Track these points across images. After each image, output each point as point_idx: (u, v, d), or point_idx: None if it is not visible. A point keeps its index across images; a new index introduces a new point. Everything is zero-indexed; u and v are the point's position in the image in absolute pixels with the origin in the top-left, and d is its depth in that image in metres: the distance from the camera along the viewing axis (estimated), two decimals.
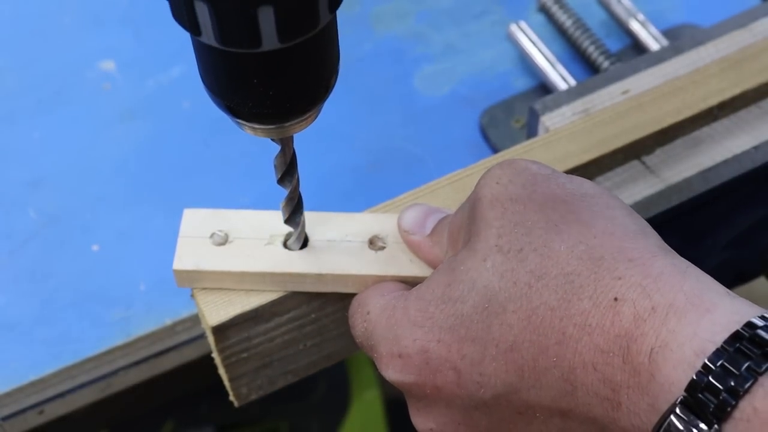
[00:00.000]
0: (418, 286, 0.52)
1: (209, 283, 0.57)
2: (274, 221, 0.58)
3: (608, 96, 0.68)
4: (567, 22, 0.85)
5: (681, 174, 0.65)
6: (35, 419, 0.72)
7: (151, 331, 0.72)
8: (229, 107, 0.47)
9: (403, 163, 0.80)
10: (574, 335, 0.45)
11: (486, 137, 0.81)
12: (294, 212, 0.56)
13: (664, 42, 0.82)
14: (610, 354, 0.44)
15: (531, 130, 0.70)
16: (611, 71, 0.71)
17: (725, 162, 0.66)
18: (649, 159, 0.66)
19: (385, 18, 0.90)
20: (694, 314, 0.42)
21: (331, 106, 0.84)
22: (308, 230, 0.58)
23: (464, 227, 0.52)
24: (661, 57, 0.71)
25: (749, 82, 0.68)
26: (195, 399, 1.05)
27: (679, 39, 0.73)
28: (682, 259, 0.47)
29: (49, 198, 0.79)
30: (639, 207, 0.64)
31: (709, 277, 0.45)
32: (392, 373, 0.51)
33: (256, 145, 0.81)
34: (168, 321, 0.72)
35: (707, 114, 0.67)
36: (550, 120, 0.68)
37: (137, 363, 0.73)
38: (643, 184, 0.65)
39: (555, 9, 0.86)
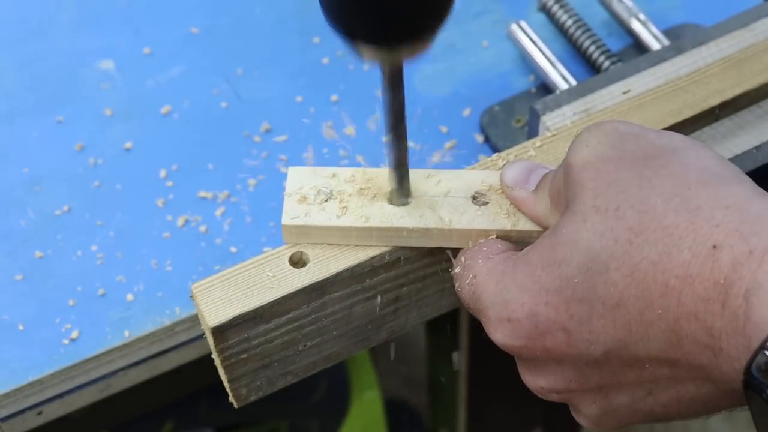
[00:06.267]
0: (524, 250, 0.53)
1: (315, 239, 0.59)
2: (378, 178, 0.60)
3: (609, 96, 0.68)
4: (568, 22, 0.85)
5: None
6: (34, 420, 0.72)
7: (150, 332, 0.72)
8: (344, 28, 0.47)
9: None
10: (677, 287, 0.46)
11: (486, 137, 0.81)
12: (398, 160, 0.56)
13: (666, 42, 0.81)
14: (711, 301, 0.45)
15: (532, 129, 0.70)
16: (612, 71, 0.71)
17: None
18: None
19: None
20: None
21: (331, 105, 0.84)
22: (411, 186, 0.59)
23: (561, 191, 0.53)
24: (663, 57, 0.71)
25: (751, 81, 0.68)
26: (194, 399, 1.05)
27: (681, 38, 0.73)
28: None
29: (49, 198, 0.79)
30: None
31: None
32: (501, 337, 0.52)
33: (255, 145, 0.81)
34: (167, 322, 0.72)
35: (708, 114, 0.67)
36: (551, 120, 0.67)
37: (136, 364, 0.73)
38: None
39: (556, 8, 0.86)
